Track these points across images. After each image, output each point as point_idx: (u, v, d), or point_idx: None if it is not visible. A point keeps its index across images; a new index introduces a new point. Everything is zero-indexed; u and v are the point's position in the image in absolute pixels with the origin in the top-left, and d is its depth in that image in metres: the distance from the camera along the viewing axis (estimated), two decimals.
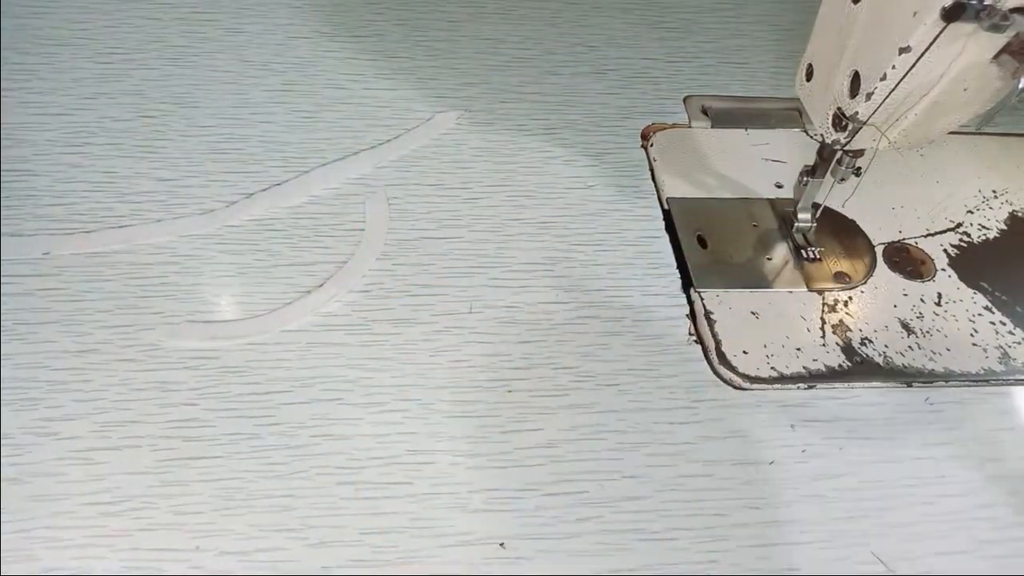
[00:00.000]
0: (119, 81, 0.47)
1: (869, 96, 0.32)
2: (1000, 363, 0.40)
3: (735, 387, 0.38)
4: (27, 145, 0.43)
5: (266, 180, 0.44)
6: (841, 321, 0.41)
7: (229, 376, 0.36)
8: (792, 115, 0.51)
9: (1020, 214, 0.47)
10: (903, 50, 0.30)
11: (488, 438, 0.35)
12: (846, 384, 0.38)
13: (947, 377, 0.39)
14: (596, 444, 0.35)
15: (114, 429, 0.34)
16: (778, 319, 0.40)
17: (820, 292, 0.42)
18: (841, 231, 0.44)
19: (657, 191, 0.46)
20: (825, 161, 0.39)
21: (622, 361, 0.38)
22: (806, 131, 0.50)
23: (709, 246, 0.43)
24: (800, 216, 0.43)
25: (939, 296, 0.42)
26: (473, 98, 0.50)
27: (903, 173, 0.48)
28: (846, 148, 0.36)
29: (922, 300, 0.42)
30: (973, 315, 0.41)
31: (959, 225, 0.46)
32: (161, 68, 0.48)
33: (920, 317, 0.41)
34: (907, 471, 0.36)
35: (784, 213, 0.45)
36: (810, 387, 0.38)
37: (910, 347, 0.40)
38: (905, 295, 0.42)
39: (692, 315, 0.41)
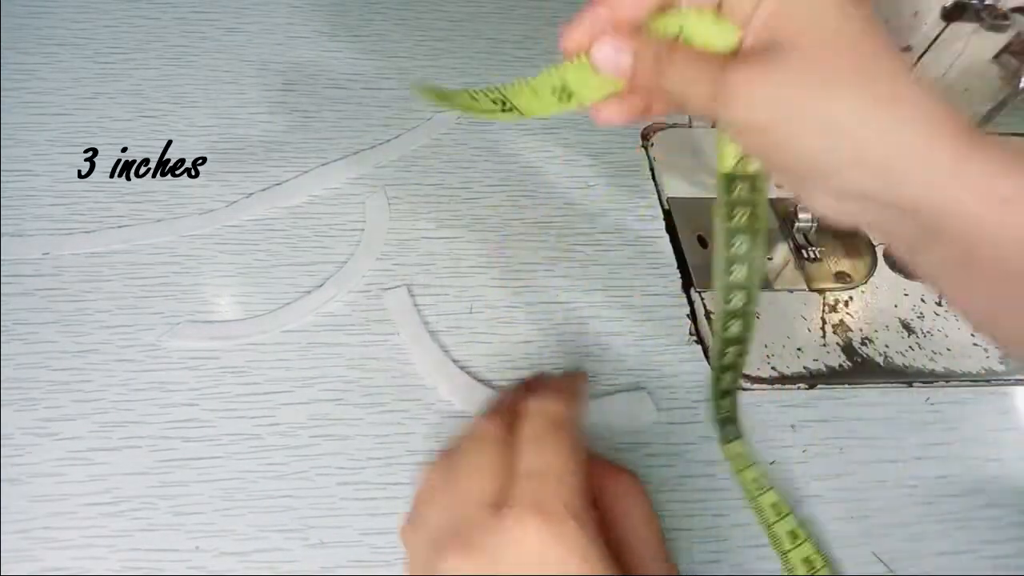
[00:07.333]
0: (119, 81, 0.47)
1: None
2: (1000, 363, 0.40)
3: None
4: (27, 145, 0.43)
5: (266, 180, 0.44)
6: (842, 321, 0.41)
7: (229, 376, 0.36)
8: None
9: None
10: (904, 50, 0.30)
11: None
12: (847, 384, 0.38)
13: (947, 377, 0.39)
14: (596, 444, 0.35)
15: (114, 429, 0.34)
16: (779, 319, 0.40)
17: (821, 292, 0.42)
18: (842, 231, 0.44)
19: (657, 191, 0.46)
20: None
21: (622, 361, 0.38)
22: None
23: (710, 246, 0.43)
24: (801, 216, 0.43)
25: (940, 296, 0.42)
26: None
27: None
28: None
29: (923, 300, 0.42)
30: None
31: None
32: (161, 68, 0.48)
33: (921, 317, 0.41)
34: (907, 471, 0.36)
35: (785, 213, 0.45)
36: (811, 387, 0.38)
37: (911, 347, 0.40)
38: (906, 295, 0.42)
39: (692, 315, 0.41)
